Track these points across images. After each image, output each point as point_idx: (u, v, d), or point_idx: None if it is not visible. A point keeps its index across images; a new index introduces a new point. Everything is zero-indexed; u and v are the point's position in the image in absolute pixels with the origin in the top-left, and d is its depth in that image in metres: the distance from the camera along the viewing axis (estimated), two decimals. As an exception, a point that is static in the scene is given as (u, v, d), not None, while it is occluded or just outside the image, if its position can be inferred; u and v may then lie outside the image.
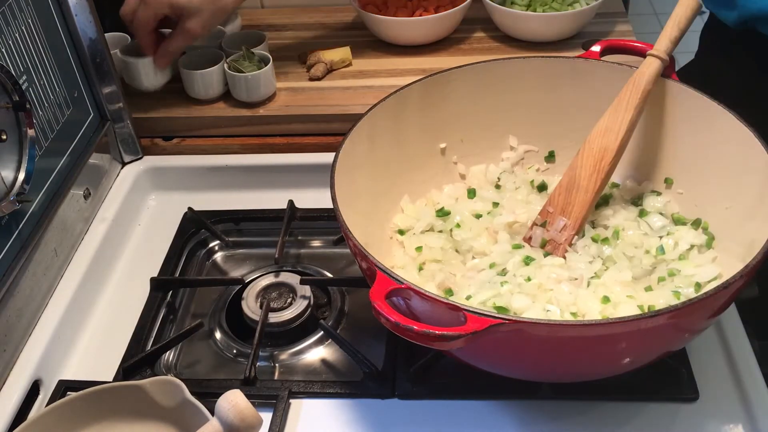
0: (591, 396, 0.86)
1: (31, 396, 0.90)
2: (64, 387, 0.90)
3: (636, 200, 1.00)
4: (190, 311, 1.05)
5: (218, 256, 1.13)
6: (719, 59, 1.22)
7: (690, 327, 0.78)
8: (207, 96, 1.24)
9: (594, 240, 0.93)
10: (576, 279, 0.87)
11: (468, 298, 0.86)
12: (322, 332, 0.97)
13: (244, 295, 1.01)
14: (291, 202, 1.12)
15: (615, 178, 0.98)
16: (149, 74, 1.23)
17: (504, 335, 0.69)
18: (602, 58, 1.00)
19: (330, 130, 1.22)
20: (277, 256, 1.05)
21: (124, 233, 1.14)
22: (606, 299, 0.85)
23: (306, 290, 1.01)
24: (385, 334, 0.92)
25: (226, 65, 1.23)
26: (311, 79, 1.30)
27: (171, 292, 1.04)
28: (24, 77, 0.94)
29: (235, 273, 1.09)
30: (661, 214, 0.96)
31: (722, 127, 0.89)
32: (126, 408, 0.82)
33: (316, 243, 1.13)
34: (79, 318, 1.00)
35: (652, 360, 0.80)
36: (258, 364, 0.93)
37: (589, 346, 0.73)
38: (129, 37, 1.30)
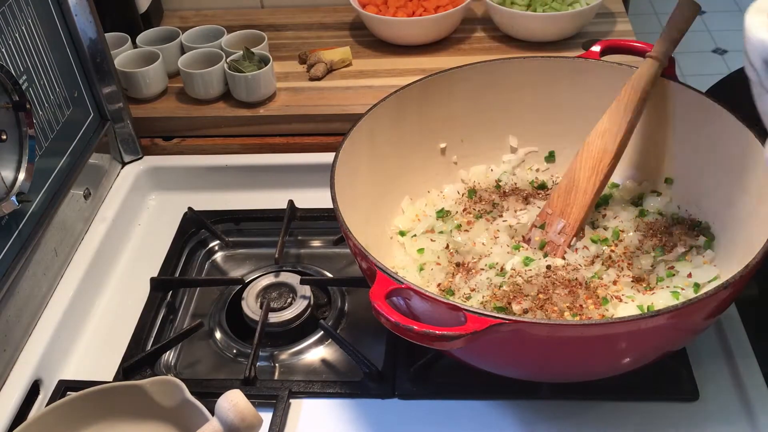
0: (591, 396, 0.86)
1: (31, 396, 0.90)
2: (64, 387, 0.90)
3: (636, 200, 1.00)
4: (190, 311, 1.05)
5: (218, 256, 1.13)
6: None
7: (690, 327, 0.78)
8: (207, 96, 1.24)
9: (593, 241, 0.93)
10: (576, 279, 0.87)
11: (468, 298, 0.86)
12: (322, 332, 0.97)
13: (244, 295, 1.01)
14: (291, 202, 1.12)
15: (615, 178, 0.98)
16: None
17: (504, 335, 0.69)
18: (602, 58, 1.00)
19: (330, 130, 1.22)
20: (277, 256, 1.05)
21: (124, 233, 1.14)
22: (605, 299, 0.85)
23: (306, 290, 1.01)
24: (385, 334, 0.92)
25: (226, 65, 1.23)
26: (311, 79, 1.30)
27: (171, 292, 1.04)
28: (24, 77, 0.94)
29: (235, 273, 1.09)
30: (661, 214, 0.96)
31: (722, 126, 0.89)
32: (126, 408, 0.82)
33: (316, 243, 1.13)
34: (79, 318, 1.00)
35: (652, 360, 0.80)
36: (258, 364, 0.93)
37: (589, 346, 0.73)
38: (128, 37, 1.30)
